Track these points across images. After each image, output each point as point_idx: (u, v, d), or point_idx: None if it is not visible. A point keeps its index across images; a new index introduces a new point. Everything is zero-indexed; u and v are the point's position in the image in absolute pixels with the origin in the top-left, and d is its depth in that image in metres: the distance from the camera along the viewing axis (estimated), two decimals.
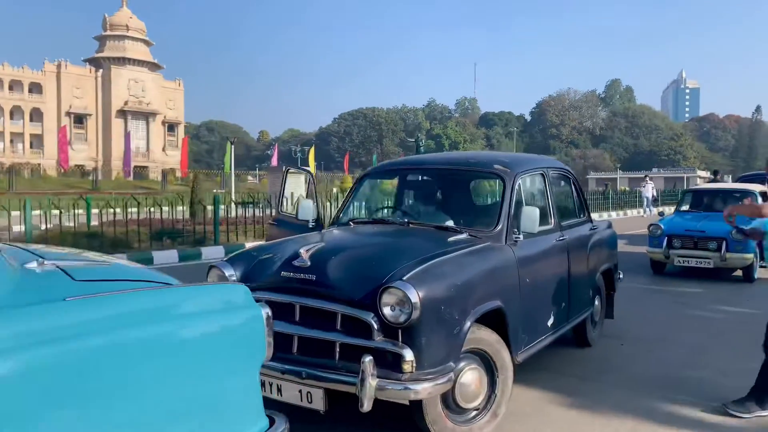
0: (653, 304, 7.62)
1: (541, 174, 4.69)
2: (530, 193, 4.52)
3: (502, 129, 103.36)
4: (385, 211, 4.63)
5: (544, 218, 4.58)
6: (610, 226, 6.35)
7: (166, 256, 10.75)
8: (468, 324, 3.26)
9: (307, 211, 4.72)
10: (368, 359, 2.99)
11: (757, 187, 10.36)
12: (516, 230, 3.99)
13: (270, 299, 3.43)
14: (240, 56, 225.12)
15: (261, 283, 3.53)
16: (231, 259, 3.76)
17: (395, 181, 4.77)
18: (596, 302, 5.55)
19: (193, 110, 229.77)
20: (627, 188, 44.23)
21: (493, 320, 3.64)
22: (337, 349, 3.22)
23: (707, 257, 9.11)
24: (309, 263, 3.35)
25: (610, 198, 27.77)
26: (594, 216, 23.87)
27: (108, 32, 71.11)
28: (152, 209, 13.09)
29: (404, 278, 3.07)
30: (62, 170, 51.17)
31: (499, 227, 3.98)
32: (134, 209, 14.37)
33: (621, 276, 6.31)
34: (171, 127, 78.14)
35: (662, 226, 9.59)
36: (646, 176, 33.52)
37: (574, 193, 5.34)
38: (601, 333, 5.79)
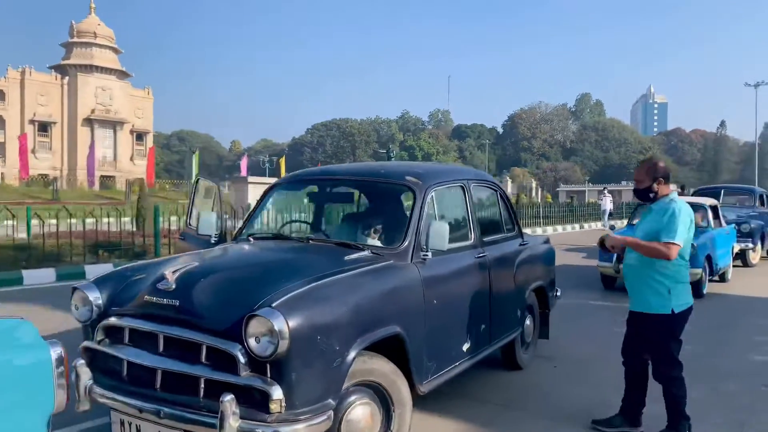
0: (597, 321, 7.36)
1: (461, 186, 4.37)
2: (446, 207, 4.19)
3: (474, 141, 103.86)
4: (289, 225, 4.25)
5: (461, 234, 4.27)
6: (547, 241, 6.08)
7: (101, 269, 10.20)
8: (352, 354, 2.90)
9: (208, 225, 4.32)
10: (228, 398, 2.61)
11: (707, 201, 10.23)
12: (424, 247, 3.65)
13: (132, 327, 3.04)
14: (213, 66, 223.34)
15: (126, 309, 3.13)
16: (98, 281, 3.35)
17: (305, 193, 4.40)
18: (527, 322, 5.24)
19: (165, 120, 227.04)
20: (594, 200, 44.56)
21: (392, 348, 3.29)
22: (202, 386, 2.82)
23: None
24: (174, 286, 2.96)
25: (575, 210, 27.81)
26: (557, 228, 23.70)
27: (75, 39, 69.75)
28: (100, 221, 12.53)
29: (273, 305, 2.70)
30: (23, 179, 49.74)
31: (405, 244, 3.63)
32: (77, 221, 13.76)
33: (558, 293, 6.02)
34: (140, 136, 76.77)
35: None
36: (604, 189, 32.40)
37: (501, 207, 5.04)
38: (534, 354, 5.49)
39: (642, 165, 3.85)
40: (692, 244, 8.43)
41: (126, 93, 74.99)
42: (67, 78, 69.30)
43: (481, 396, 4.57)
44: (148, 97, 77.95)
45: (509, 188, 73.17)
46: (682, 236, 3.59)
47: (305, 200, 4.35)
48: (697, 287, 8.87)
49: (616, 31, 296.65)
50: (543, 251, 5.62)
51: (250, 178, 29.57)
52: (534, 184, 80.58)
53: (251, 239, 4.01)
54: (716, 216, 10.37)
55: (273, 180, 29.38)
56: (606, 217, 25.50)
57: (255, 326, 2.67)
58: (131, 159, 74.64)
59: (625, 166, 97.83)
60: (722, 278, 10.50)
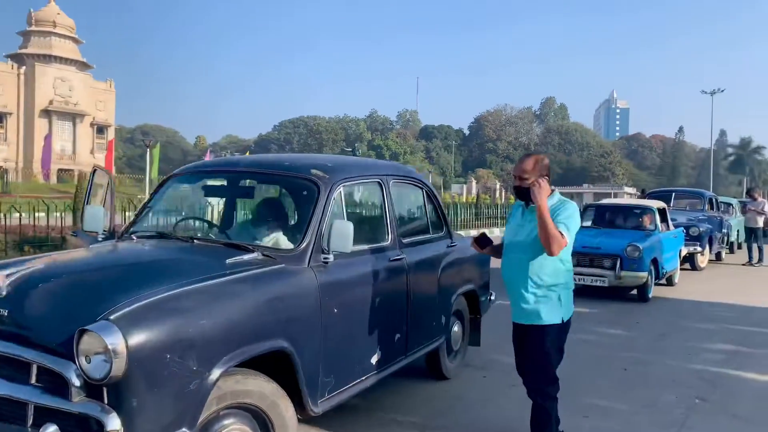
0: None
1: (378, 182, 3.97)
2: (358, 204, 3.79)
3: (441, 142, 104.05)
4: (183, 222, 3.78)
5: (376, 234, 3.87)
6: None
7: None
8: (216, 374, 2.47)
9: (95, 220, 3.82)
10: (51, 429, 2.15)
11: (655, 204, 10.07)
12: (326, 249, 3.23)
13: None
14: (179, 60, 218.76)
15: None
16: None
17: (201, 186, 3.92)
18: (455, 328, 4.88)
19: (129, 114, 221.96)
20: None
21: (279, 364, 2.87)
22: (31, 413, 2.36)
23: (602, 275, 8.69)
24: (4, 293, 2.49)
25: None
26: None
27: (33, 28, 67.35)
28: (31, 215, 11.75)
29: (111, 318, 2.25)
30: None
31: (303, 246, 3.21)
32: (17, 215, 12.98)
33: (493, 297, 5.68)
34: (101, 129, 74.67)
35: None
36: (553, 191, 32.05)
37: (427, 206, 4.66)
38: (462, 363, 5.13)
39: (526, 159, 3.31)
40: (638, 247, 8.25)
41: (87, 85, 72.83)
42: (24, 68, 66.91)
43: (400, 410, 4.18)
44: (110, 90, 75.91)
45: (474, 189, 73.57)
46: (573, 236, 3.19)
47: (202, 194, 3.88)
48: (642, 291, 8.72)
49: (581, 37, 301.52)
50: (475, 253, 5.26)
51: None
52: (498, 186, 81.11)
53: (134, 237, 3.54)
54: (664, 219, 10.22)
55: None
56: None
57: (87, 343, 2.22)
58: (91, 152, 72.50)
59: (586, 169, 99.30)
60: (669, 282, 10.37)
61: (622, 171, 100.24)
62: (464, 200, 49.66)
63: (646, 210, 9.85)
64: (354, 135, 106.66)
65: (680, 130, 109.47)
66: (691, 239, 12.52)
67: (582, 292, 9.26)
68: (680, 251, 10.73)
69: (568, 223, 3.15)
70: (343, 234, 3.20)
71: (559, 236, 3.08)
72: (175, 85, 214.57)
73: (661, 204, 10.31)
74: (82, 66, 71.21)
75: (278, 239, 3.34)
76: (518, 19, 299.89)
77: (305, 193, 3.46)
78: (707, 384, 5.01)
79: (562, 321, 3.29)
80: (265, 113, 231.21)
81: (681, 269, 12.54)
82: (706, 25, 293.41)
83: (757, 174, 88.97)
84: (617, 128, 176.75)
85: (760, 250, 13.93)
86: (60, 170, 63.65)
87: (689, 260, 12.77)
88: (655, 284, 9.36)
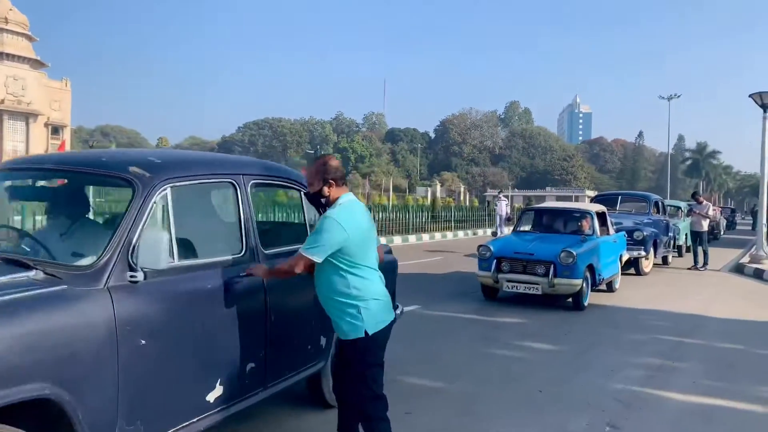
0: (459, 339, 6.52)
1: (231, 183, 3.36)
2: (198, 209, 3.17)
3: (407, 145, 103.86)
4: None
5: (222, 245, 3.26)
6: (387, 251, 5.16)
7: None
8: None
9: None
10: None
11: (594, 207, 9.68)
12: (134, 265, 2.60)
13: None
14: (141, 60, 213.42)
15: None
16: None
17: (4, 188, 3.22)
18: None
19: (89, 114, 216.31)
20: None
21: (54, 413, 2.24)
22: None
23: (535, 282, 8.23)
24: None
25: (491, 214, 27.53)
26: (468, 233, 22.95)
27: None
28: None
29: None
30: None
31: (102, 261, 2.57)
32: None
33: (399, 311, 5.10)
34: (56, 129, 72.24)
35: (491, 248, 8.64)
36: (499, 192, 29.45)
37: (306, 211, 4.05)
38: None
39: (312, 165, 3.28)
40: (572, 253, 7.81)
41: (41, 84, 70.43)
42: None
43: None
44: (66, 89, 73.57)
45: (438, 192, 73.36)
46: (325, 247, 2.97)
47: (6, 197, 3.20)
48: (577, 299, 8.28)
49: (545, 41, 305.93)
50: None
51: None
52: (462, 189, 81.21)
53: None
54: (604, 223, 9.84)
55: None
56: (501, 222, 21.71)
57: None
58: (46, 153, 70.03)
59: (549, 172, 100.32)
60: (609, 288, 10.00)
61: (584, 174, 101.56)
62: (427, 203, 49.44)
63: (584, 214, 9.44)
64: (320, 137, 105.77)
65: (640, 134, 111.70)
66: (635, 243, 12.22)
67: (516, 301, 8.80)
68: (621, 256, 10.37)
69: (311, 240, 3.03)
70: (152, 246, 2.58)
71: (288, 266, 3.07)
72: (137, 86, 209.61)
73: (600, 208, 9.92)
74: (36, 64, 68.82)
75: (74, 253, 2.70)
76: (484, 24, 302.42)
77: (119, 195, 2.82)
78: (623, 407, 4.53)
79: (366, 334, 3.05)
80: (230, 115, 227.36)
81: (625, 274, 12.23)
82: (667, 29, 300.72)
83: (713, 177, 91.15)
84: (580, 132, 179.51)
85: (705, 254, 13.74)
86: None
87: (634, 265, 12.47)
88: (594, 291, 8.96)
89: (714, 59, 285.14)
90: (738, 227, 39.30)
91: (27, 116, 68.07)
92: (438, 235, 22.00)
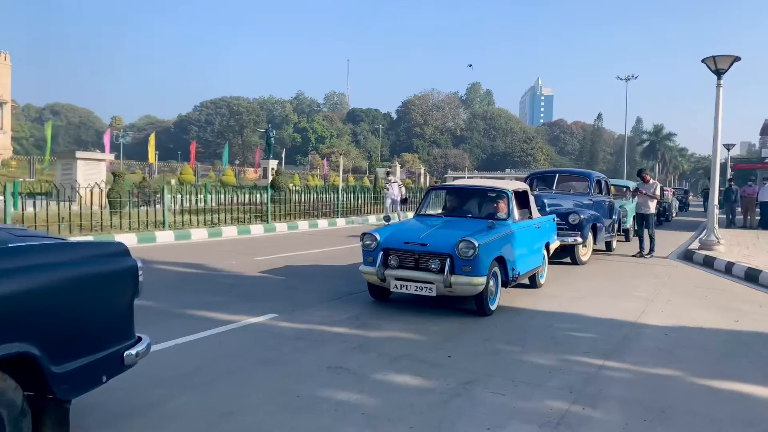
0: (292, 371, 4.52)
1: None
2: None
3: (368, 126, 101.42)
4: None
5: None
6: (120, 253, 3.14)
7: None
8: None
9: None
10: None
11: (512, 185, 7.78)
12: None
13: None
14: (93, 35, 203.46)
15: None
16: None
17: None
18: None
19: (38, 92, 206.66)
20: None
21: None
22: None
23: (428, 281, 6.31)
24: None
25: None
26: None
27: None
28: None
29: None
30: None
31: None
32: None
33: (136, 352, 3.11)
34: None
35: (377, 236, 6.68)
36: (388, 173, 24.16)
37: None
38: None
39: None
40: (472, 244, 5.90)
41: None
42: None
43: None
44: (6, 63, 69.13)
45: (398, 173, 71.52)
46: None
47: None
48: (480, 302, 6.40)
49: (508, 22, 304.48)
50: (55, 279, 2.65)
51: (80, 154, 24.58)
52: (423, 170, 79.45)
53: None
54: (524, 205, 7.99)
55: (106, 156, 24.72)
56: (395, 206, 18.56)
57: None
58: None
59: (510, 154, 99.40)
60: (533, 282, 8.19)
61: (544, 156, 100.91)
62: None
63: (500, 194, 7.53)
64: (279, 117, 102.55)
65: (599, 116, 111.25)
66: (570, 228, 10.45)
67: (410, 303, 6.88)
68: (548, 244, 8.55)
69: None
70: None
71: None
72: (88, 63, 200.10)
73: (520, 186, 8.03)
74: None
75: None
76: (449, 6, 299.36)
77: None
78: None
79: None
80: (187, 93, 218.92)
81: (558, 263, 10.49)
82: (624, 16, 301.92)
83: (669, 159, 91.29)
84: (542, 115, 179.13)
85: (652, 239, 12.10)
86: None
87: (570, 253, 10.73)
88: (514, 287, 7.11)
89: (672, 39, 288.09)
90: (691, 209, 38.36)
91: None
92: (372, 218, 20.04)
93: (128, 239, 11.35)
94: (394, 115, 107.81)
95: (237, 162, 74.63)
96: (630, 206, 14.66)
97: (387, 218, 7.38)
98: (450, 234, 6.53)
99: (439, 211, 8.42)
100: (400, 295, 6.91)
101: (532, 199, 8.26)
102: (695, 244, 13.33)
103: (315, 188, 21.97)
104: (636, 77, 61.64)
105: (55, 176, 26.30)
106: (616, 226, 13.06)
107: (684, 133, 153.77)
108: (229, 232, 13.57)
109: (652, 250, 12.11)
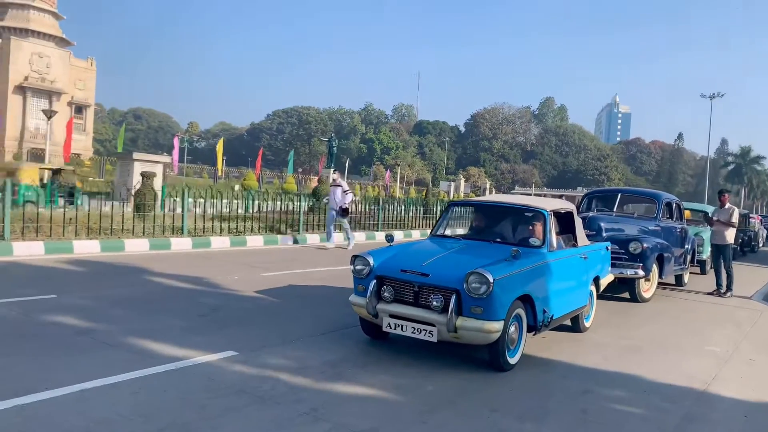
0: None
1: None
2: None
3: (435, 138, 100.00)
4: None
5: None
6: None
7: None
8: None
9: None
10: None
11: (554, 206, 6.24)
12: None
13: None
14: (176, 44, 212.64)
15: None
16: None
17: None
18: None
19: (122, 97, 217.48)
20: None
21: None
22: None
23: (428, 322, 4.94)
24: None
25: None
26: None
27: (10, 0, 64.03)
28: None
29: None
30: None
31: None
32: None
33: None
34: (79, 109, 71.38)
35: (370, 260, 5.37)
36: (334, 170, 16.23)
37: None
38: None
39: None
40: (485, 278, 4.51)
41: (65, 62, 69.50)
42: None
43: None
44: (91, 69, 72.55)
45: (462, 188, 69.75)
46: None
47: None
48: (495, 354, 4.98)
49: (586, 39, 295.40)
50: None
51: (137, 155, 24.62)
52: (488, 185, 77.17)
53: None
54: (568, 229, 6.46)
55: (162, 158, 24.70)
56: (333, 220, 13.38)
57: None
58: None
59: (582, 172, 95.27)
60: (575, 325, 6.62)
61: (618, 176, 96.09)
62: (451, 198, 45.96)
63: (536, 214, 6.04)
64: (348, 127, 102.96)
65: (680, 136, 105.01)
66: (630, 258, 8.75)
67: (410, 346, 5.50)
68: (598, 278, 6.95)
69: None
70: None
71: None
72: (171, 70, 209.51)
73: (563, 206, 6.48)
74: (62, 42, 67.88)
75: None
76: (524, 22, 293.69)
77: None
78: None
79: None
80: (261, 102, 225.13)
81: (613, 299, 8.83)
82: (712, 25, 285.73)
83: (756, 184, 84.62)
84: (618, 133, 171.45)
85: (729, 275, 10.13)
86: (33, 149, 60.53)
87: (629, 287, 9.01)
88: (537, 333, 5.62)
89: (761, 58, 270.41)
90: None
91: (50, 94, 67.20)
92: (417, 233, 18.67)
93: (139, 245, 10.56)
94: (462, 129, 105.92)
95: (300, 171, 75.10)
96: (707, 234, 12.62)
97: (389, 238, 6.06)
98: (461, 263, 5.14)
99: (453, 231, 7.02)
100: (399, 335, 5.56)
101: (579, 222, 6.71)
102: None
103: (364, 199, 20.86)
104: (722, 95, 57.17)
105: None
106: (689, 257, 11.12)
107: None
108: (255, 242, 12.60)
109: (729, 288, 10.14)
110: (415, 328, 5.00)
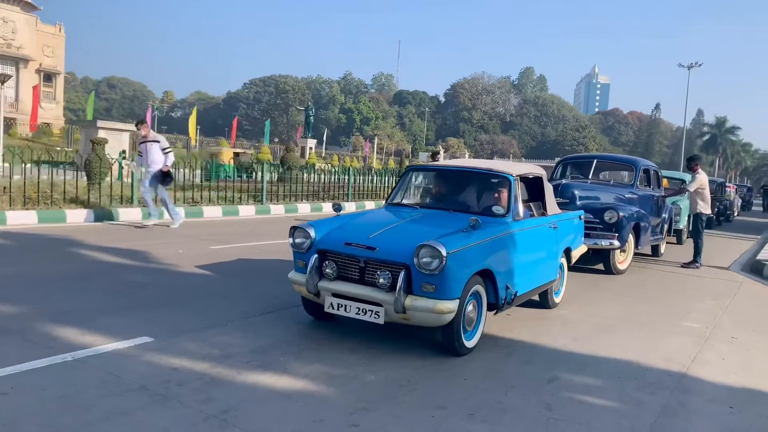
0: None
1: None
2: None
3: (415, 108, 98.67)
4: None
5: None
6: None
7: None
8: None
9: None
10: None
11: (519, 170, 5.55)
12: None
13: None
14: (152, 11, 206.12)
15: None
16: None
17: None
18: None
19: (95, 64, 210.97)
20: None
21: None
22: None
23: (374, 302, 4.28)
24: None
25: None
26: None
27: None
28: None
29: None
30: None
31: None
32: None
33: None
34: (48, 77, 68.78)
35: (312, 232, 4.66)
36: (139, 125, 10.64)
37: None
38: None
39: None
40: (438, 251, 3.81)
41: (32, 27, 66.69)
42: None
43: None
44: (60, 35, 69.69)
45: (442, 158, 69.02)
46: None
47: None
48: (449, 336, 4.36)
49: (566, 8, 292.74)
50: None
51: (101, 123, 23.37)
52: (467, 155, 76.51)
53: None
54: (536, 197, 5.81)
55: (127, 126, 23.42)
56: (148, 179, 9.98)
57: None
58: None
59: (560, 142, 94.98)
60: (544, 300, 6.03)
61: (596, 146, 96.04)
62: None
63: (499, 180, 5.36)
64: (327, 96, 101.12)
65: (657, 107, 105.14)
66: (605, 228, 8.18)
67: (360, 329, 4.83)
68: (569, 250, 6.34)
69: None
70: None
71: None
72: (145, 37, 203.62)
73: (530, 170, 5.80)
74: (27, 6, 64.89)
75: None
76: None
77: None
78: None
79: None
80: (238, 71, 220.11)
81: (586, 270, 8.29)
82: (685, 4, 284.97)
83: (731, 154, 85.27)
84: (597, 103, 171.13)
85: (696, 246, 9.62)
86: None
87: (603, 258, 8.46)
88: (506, 306, 5.00)
89: (738, 27, 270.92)
90: (752, 208, 34.64)
91: (17, 61, 64.55)
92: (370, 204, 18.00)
93: (82, 216, 9.72)
94: (442, 99, 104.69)
95: (276, 140, 73.54)
96: (684, 203, 12.14)
97: (337, 207, 5.34)
98: (413, 234, 4.46)
99: (414, 200, 6.34)
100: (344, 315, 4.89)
101: (549, 189, 6.05)
102: (766, 253, 10.75)
103: (335, 169, 20.07)
104: (699, 65, 56.66)
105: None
106: (666, 226, 10.61)
107: (749, 127, 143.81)
108: (213, 212, 11.81)
109: (695, 260, 9.59)
110: (360, 309, 4.33)
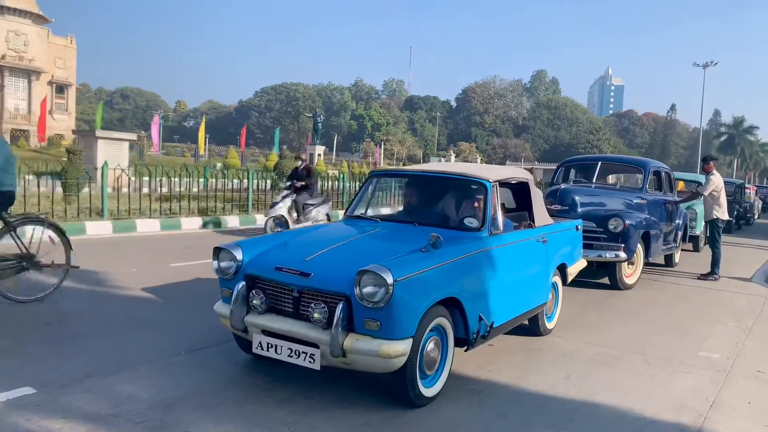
0: None
1: None
2: None
3: (426, 113, 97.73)
4: None
5: None
6: None
7: None
8: None
9: None
10: None
11: (497, 174, 4.65)
12: None
13: None
14: (161, 22, 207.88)
15: None
16: None
17: None
18: None
19: (108, 76, 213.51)
20: None
21: None
22: None
23: (308, 341, 3.42)
24: None
25: None
26: None
27: None
28: None
29: None
30: None
31: None
32: None
33: None
34: (60, 88, 69.19)
35: (238, 254, 3.83)
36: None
37: None
38: None
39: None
40: (383, 279, 3.00)
41: (44, 40, 67.16)
42: None
43: None
44: (71, 46, 70.17)
45: (453, 161, 68.04)
46: None
47: None
48: (402, 383, 3.48)
49: (579, 13, 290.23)
50: None
51: (100, 133, 22.81)
52: (479, 160, 75.43)
53: None
54: (523, 206, 4.93)
55: (128, 136, 22.88)
56: None
57: None
58: (50, 112, 67.07)
59: (574, 145, 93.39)
60: (534, 326, 5.13)
61: (611, 148, 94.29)
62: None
63: (477, 187, 4.48)
64: (338, 104, 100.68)
65: (672, 107, 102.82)
66: (610, 238, 7.25)
67: (284, 375, 3.93)
68: (564, 266, 5.44)
69: None
70: None
71: None
72: (158, 48, 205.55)
73: (513, 174, 4.90)
74: (39, 19, 65.39)
75: None
76: None
77: None
78: None
79: None
80: (250, 80, 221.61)
81: (594, 286, 7.36)
82: (702, 5, 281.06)
83: (749, 155, 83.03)
84: (611, 105, 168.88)
85: (714, 256, 8.61)
86: (13, 130, 58.68)
87: (609, 272, 7.52)
88: (506, 333, 4.11)
89: (755, 26, 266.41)
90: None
91: (29, 73, 64.96)
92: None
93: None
94: (454, 103, 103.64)
95: (284, 147, 73.11)
96: (700, 207, 11.13)
97: (278, 221, 4.47)
98: (359, 256, 3.60)
99: (399, 210, 5.46)
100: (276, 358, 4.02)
101: (537, 196, 5.16)
102: None
103: (333, 175, 19.27)
104: (715, 64, 55.18)
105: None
106: (680, 233, 9.62)
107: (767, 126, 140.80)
108: (192, 224, 11.04)
109: (713, 272, 8.59)
110: (292, 351, 3.48)
